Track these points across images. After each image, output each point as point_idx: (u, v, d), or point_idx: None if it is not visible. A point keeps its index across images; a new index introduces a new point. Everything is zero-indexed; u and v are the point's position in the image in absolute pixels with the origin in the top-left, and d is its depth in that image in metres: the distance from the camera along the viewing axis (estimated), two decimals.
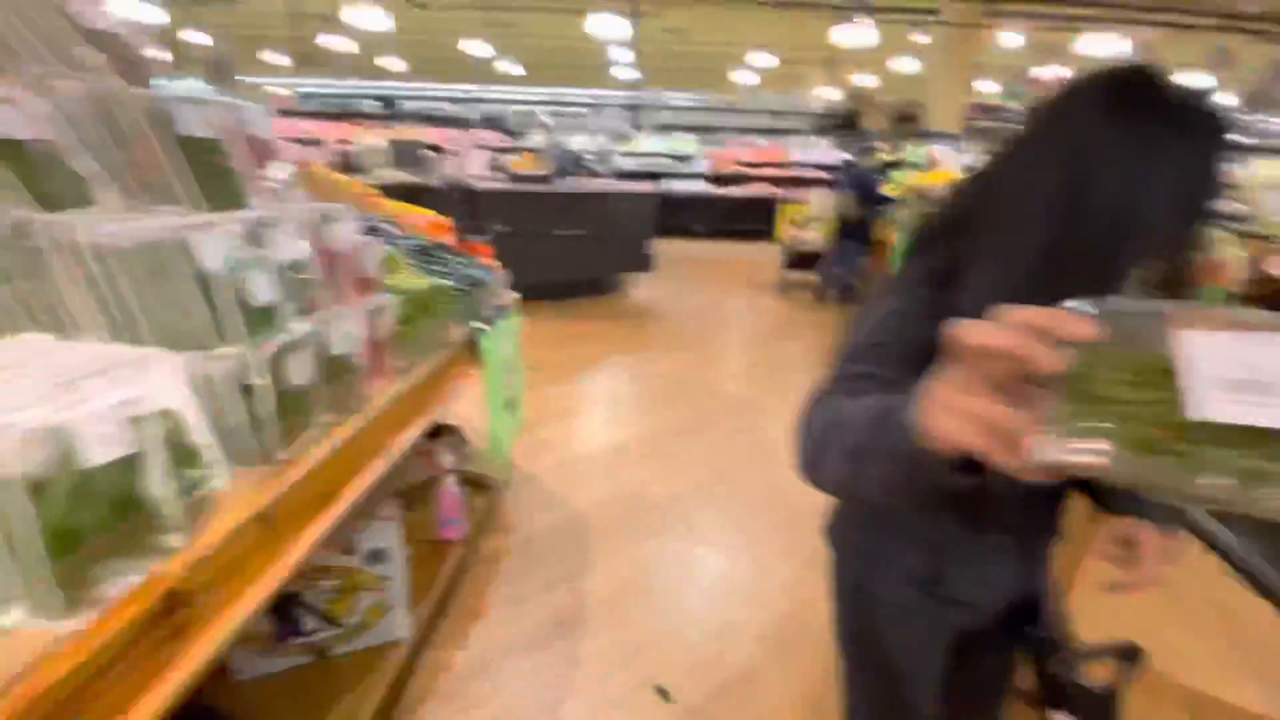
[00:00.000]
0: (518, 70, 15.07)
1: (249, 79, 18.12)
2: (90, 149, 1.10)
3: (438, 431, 2.62)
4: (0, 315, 1.05)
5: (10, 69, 1.08)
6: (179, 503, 0.92)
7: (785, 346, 5.55)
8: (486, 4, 11.12)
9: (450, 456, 2.28)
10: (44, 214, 1.01)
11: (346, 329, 1.35)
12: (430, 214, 2.66)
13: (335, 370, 1.33)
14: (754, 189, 11.61)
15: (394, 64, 15.10)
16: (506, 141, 10.50)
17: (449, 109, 15.05)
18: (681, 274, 8.20)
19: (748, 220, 11.34)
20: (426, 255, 2.24)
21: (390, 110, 13.87)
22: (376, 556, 1.71)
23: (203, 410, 1.09)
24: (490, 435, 2.26)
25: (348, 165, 6.79)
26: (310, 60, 14.03)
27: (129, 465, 0.85)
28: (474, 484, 2.66)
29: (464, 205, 5.89)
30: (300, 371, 1.19)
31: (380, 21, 9.18)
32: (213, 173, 1.19)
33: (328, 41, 12.07)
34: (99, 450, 0.80)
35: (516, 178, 6.59)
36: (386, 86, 17.82)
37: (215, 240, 1.08)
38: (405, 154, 8.38)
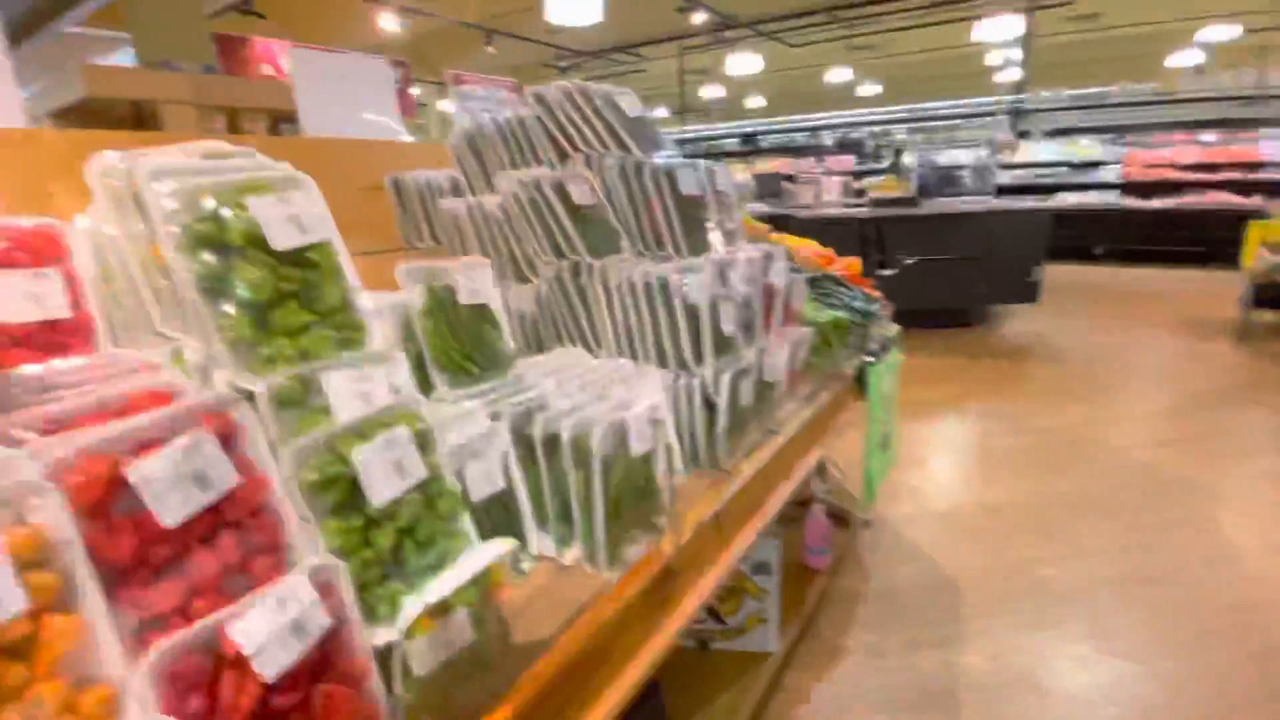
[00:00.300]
0: (874, 90, 14.64)
1: None
2: (619, 209, 1.44)
3: None
4: (558, 332, 1.45)
5: (574, 153, 1.49)
6: (667, 493, 1.13)
7: (1244, 413, 4.11)
8: (851, 30, 11.12)
9: (820, 485, 2.31)
10: (591, 259, 1.36)
11: (778, 358, 1.48)
12: (814, 244, 2.76)
13: (765, 394, 1.46)
14: (1190, 200, 8.95)
15: (756, 102, 16.23)
16: (864, 165, 10.30)
17: (802, 140, 15.50)
18: (1076, 306, 6.79)
19: (1180, 239, 8.81)
20: (819, 287, 2.32)
21: (750, 146, 14.90)
22: (761, 568, 1.84)
23: (674, 418, 1.31)
24: (865, 471, 2.21)
25: None
26: (689, 108, 16.10)
27: (648, 458, 1.07)
28: (835, 517, 2.65)
29: (825, 233, 5.96)
30: (746, 393, 1.35)
31: (754, 65, 9.99)
32: (694, 224, 1.43)
33: (706, 91, 13.70)
34: (638, 444, 1.03)
35: (877, 202, 6.39)
36: (747, 124, 19.27)
37: (697, 280, 1.30)
38: (766, 186, 8.97)
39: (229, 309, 0.65)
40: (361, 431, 0.65)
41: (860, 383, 2.09)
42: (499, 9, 8.91)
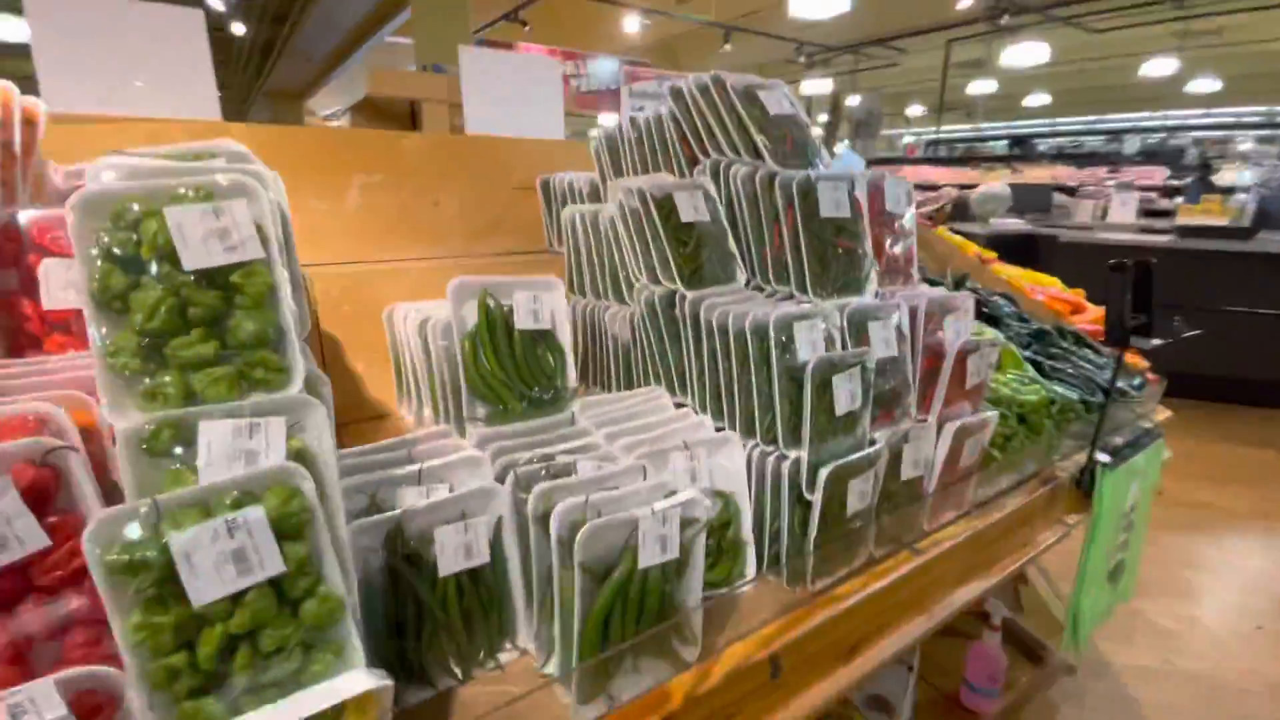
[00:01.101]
0: (1210, 87, 11.33)
1: (892, 131, 20.07)
2: (741, 229, 1.17)
3: None
4: (649, 367, 1.24)
5: (704, 158, 1.25)
6: (696, 616, 0.86)
7: None
8: (1190, 10, 8.73)
9: (1000, 607, 1.75)
10: (685, 289, 1.12)
11: (927, 447, 1.08)
12: (1055, 284, 2.10)
13: (901, 493, 1.08)
14: None
15: (1037, 100, 13.79)
16: (1180, 179, 8.11)
17: (1092, 144, 12.78)
18: None
19: None
20: (1045, 345, 1.74)
21: (1018, 151, 12.74)
22: (879, 704, 1.42)
23: (755, 503, 1.02)
24: (1072, 606, 1.61)
25: (963, 213, 6.50)
26: (950, 107, 14.30)
27: (669, 570, 0.82)
28: (1020, 645, 2.01)
29: (1095, 265, 4.76)
30: (862, 493, 0.99)
31: (1038, 56, 8.40)
32: (834, 255, 1.10)
33: (975, 87, 11.98)
34: (651, 552, 0.78)
35: (1185, 231, 4.90)
36: (1019, 126, 16.57)
37: (812, 333, 0.98)
38: (1031, 199, 7.48)
39: (124, 332, 0.56)
40: (206, 506, 0.52)
41: (1082, 487, 1.50)
42: (747, 7, 8.75)
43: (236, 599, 0.52)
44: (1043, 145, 13.32)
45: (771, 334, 0.96)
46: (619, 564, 0.76)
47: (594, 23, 8.85)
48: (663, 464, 0.96)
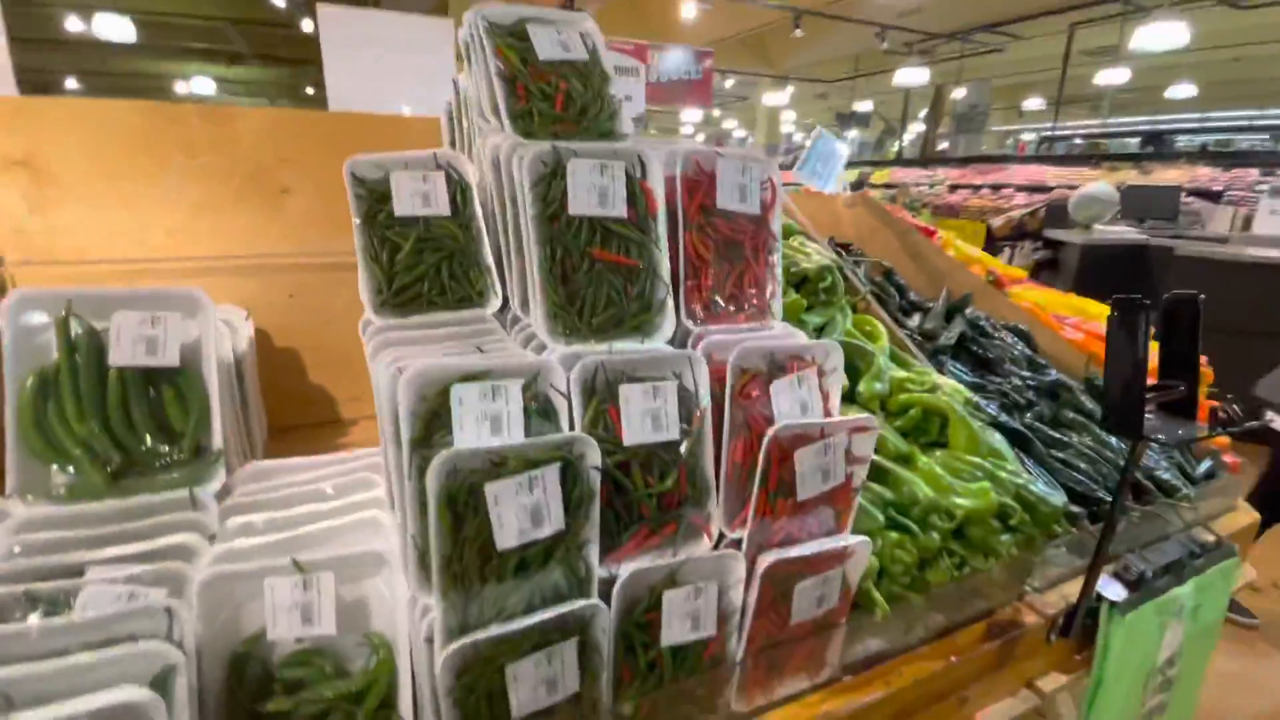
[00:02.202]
0: None
1: (1004, 128, 18.21)
2: (491, 229, 0.79)
3: None
4: None
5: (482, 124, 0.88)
6: None
7: None
8: None
9: None
10: (389, 316, 0.76)
11: (711, 593, 0.66)
12: (1097, 316, 1.51)
13: (671, 666, 0.67)
14: None
15: (1181, 92, 11.92)
16: None
17: (1247, 143, 10.87)
18: None
19: None
20: (1058, 408, 1.21)
21: (1153, 149, 11.08)
22: None
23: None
24: None
25: (1062, 219, 5.58)
26: (1074, 99, 12.68)
27: None
28: None
29: (1233, 286, 3.86)
30: (546, 681, 0.59)
31: (1176, 39, 7.13)
32: (588, 272, 0.70)
33: (1104, 77, 10.49)
34: None
35: None
36: (1159, 121, 14.52)
37: (492, 403, 0.60)
38: (1153, 203, 6.31)
39: None
40: None
41: (1069, 635, 0.98)
42: None
43: None
44: (1184, 143, 11.48)
45: (404, 402, 0.58)
46: None
47: (655, 10, 8.47)
48: (256, 589, 0.62)
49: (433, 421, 0.60)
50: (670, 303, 0.73)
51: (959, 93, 12.53)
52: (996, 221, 6.23)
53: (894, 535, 0.81)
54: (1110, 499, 0.99)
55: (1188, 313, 0.85)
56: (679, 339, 0.75)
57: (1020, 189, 8.96)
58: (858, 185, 8.37)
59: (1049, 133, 13.21)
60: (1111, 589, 0.99)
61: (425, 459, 0.57)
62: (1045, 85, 13.70)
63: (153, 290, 0.75)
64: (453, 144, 1.22)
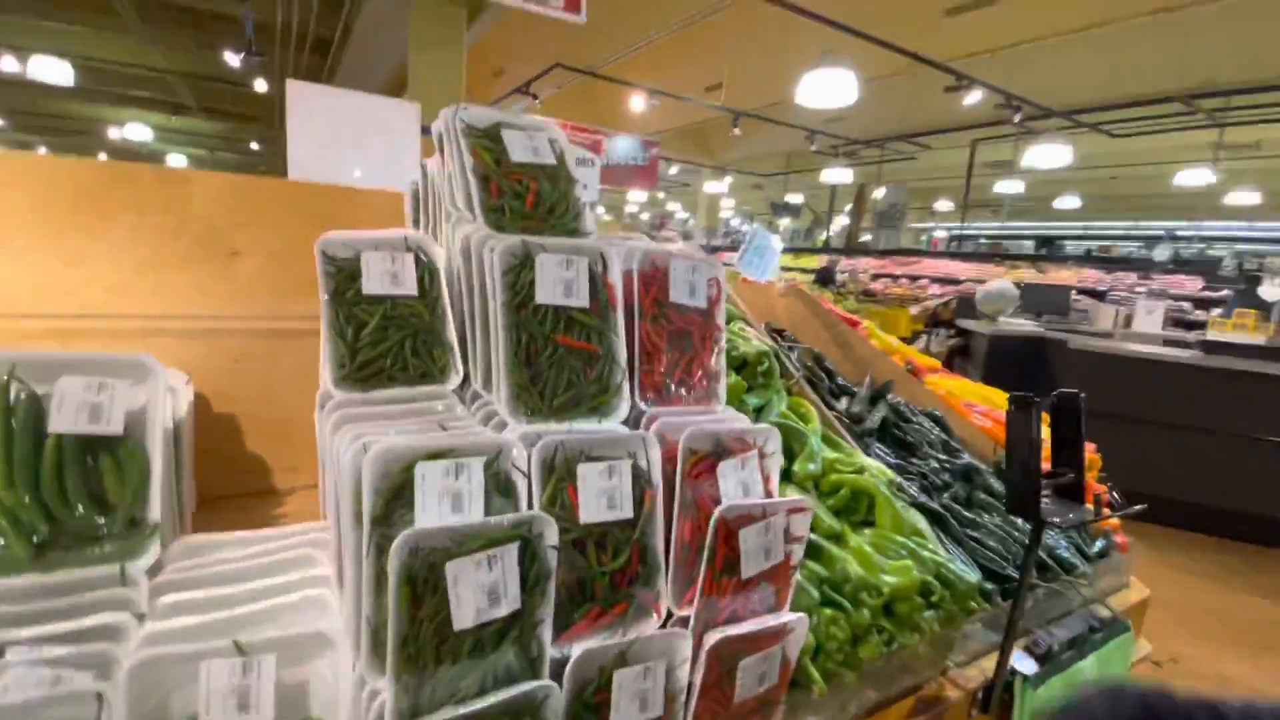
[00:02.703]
0: (1249, 200, 10.84)
1: (920, 225, 19.97)
2: (458, 311, 0.83)
3: None
4: None
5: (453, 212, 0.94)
6: None
7: None
8: (1221, 121, 8.48)
9: None
10: (350, 390, 0.77)
11: (660, 671, 0.68)
12: (1002, 405, 1.68)
13: None
14: None
15: (1067, 203, 13.53)
16: (1217, 291, 7.61)
17: (1126, 249, 12.36)
18: None
19: None
20: (971, 489, 1.32)
21: (1046, 250, 12.39)
22: None
23: None
24: None
25: (970, 308, 6.11)
26: (977, 204, 14.12)
27: None
28: None
29: (1100, 380, 4.31)
30: None
31: (1059, 159, 8.18)
32: (551, 356, 0.75)
33: (1002, 187, 11.81)
34: None
35: (1210, 346, 4.41)
36: (1050, 226, 16.31)
37: (454, 480, 0.62)
38: (1048, 299, 7.02)
39: None
40: None
41: (988, 710, 1.04)
42: (770, 97, 8.84)
43: None
44: (1072, 247, 12.94)
45: (368, 478, 0.60)
46: None
47: (605, 101, 9.03)
48: (191, 674, 0.59)
49: (393, 500, 0.61)
50: (626, 386, 0.78)
51: (879, 192, 13.75)
52: (914, 310, 6.74)
53: (828, 612, 0.85)
54: (1019, 576, 1.08)
55: (1071, 407, 0.98)
56: (632, 420, 0.80)
57: (934, 280, 9.81)
58: (827, 271, 9.00)
59: (958, 231, 14.61)
60: (1024, 663, 1.06)
61: (385, 536, 0.59)
62: (954, 190, 15.23)
63: (103, 355, 0.74)
64: (416, 222, 1.27)
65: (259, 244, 1.49)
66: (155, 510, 0.74)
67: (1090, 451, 1.57)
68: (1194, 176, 9.49)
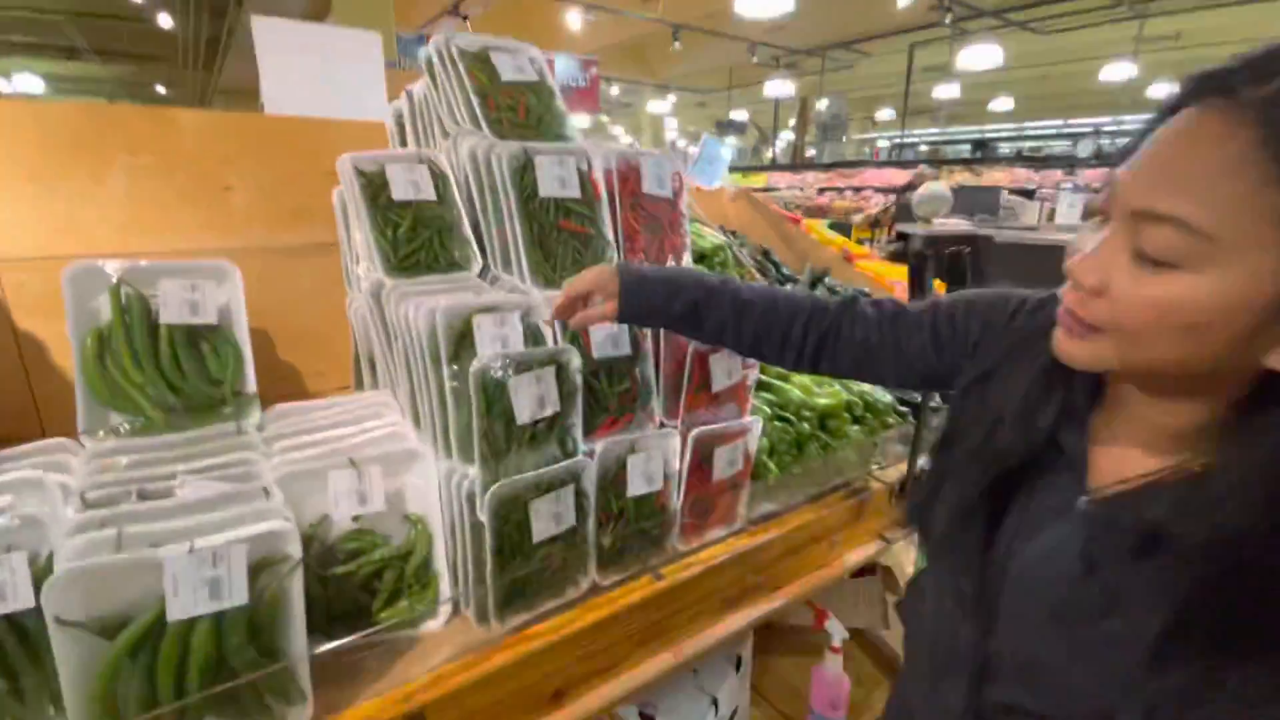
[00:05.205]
0: (1169, 92, 11.41)
1: (862, 135, 20.12)
2: (473, 211, 1.02)
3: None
4: (376, 366, 1.08)
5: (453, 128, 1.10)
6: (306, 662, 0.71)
7: None
8: (1144, 13, 8.79)
9: (839, 628, 1.60)
10: (398, 278, 0.97)
11: (657, 459, 0.94)
12: (901, 279, 1.97)
13: (631, 513, 0.93)
14: None
15: (1001, 105, 13.88)
16: None
17: (1057, 148, 12.89)
18: None
19: None
20: None
21: (980, 154, 12.79)
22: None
23: (446, 529, 0.87)
24: None
25: (908, 214, 6.44)
26: (917, 111, 14.32)
27: (220, 623, 0.66)
28: (886, 665, 1.88)
29: (1023, 266, 4.72)
30: (554, 515, 0.85)
31: (990, 59, 8.41)
32: (557, 238, 0.95)
33: (941, 91, 12.02)
34: (190, 599, 0.63)
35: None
36: (986, 130, 16.71)
37: (502, 328, 0.84)
38: (980, 200, 7.45)
39: None
40: None
41: (905, 491, 1.37)
42: (706, 8, 8.65)
43: None
44: (1005, 149, 13.40)
45: (440, 330, 0.81)
46: (139, 618, 0.61)
47: (529, 20, 8.69)
48: (318, 484, 0.82)
49: (458, 344, 0.83)
50: (617, 259, 1.00)
51: (822, 104, 13.77)
52: (856, 219, 7.03)
53: (778, 424, 1.13)
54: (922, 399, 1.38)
55: (955, 265, 1.25)
56: None
57: (877, 190, 10.10)
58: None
59: (899, 140, 14.87)
60: (928, 462, 1.38)
61: (458, 369, 0.81)
62: (894, 98, 15.37)
63: (189, 263, 0.91)
64: (403, 143, 1.41)
65: (248, 178, 1.60)
66: (251, 383, 0.94)
67: None
68: (1117, 71, 9.89)
